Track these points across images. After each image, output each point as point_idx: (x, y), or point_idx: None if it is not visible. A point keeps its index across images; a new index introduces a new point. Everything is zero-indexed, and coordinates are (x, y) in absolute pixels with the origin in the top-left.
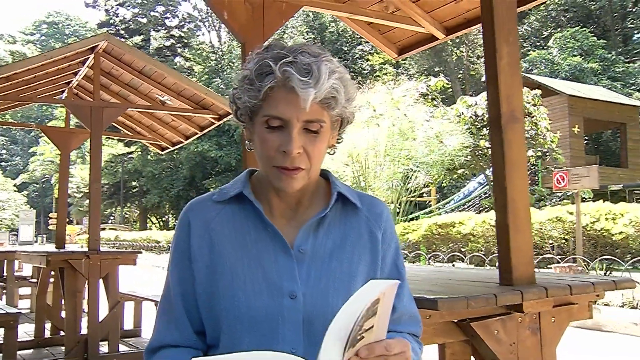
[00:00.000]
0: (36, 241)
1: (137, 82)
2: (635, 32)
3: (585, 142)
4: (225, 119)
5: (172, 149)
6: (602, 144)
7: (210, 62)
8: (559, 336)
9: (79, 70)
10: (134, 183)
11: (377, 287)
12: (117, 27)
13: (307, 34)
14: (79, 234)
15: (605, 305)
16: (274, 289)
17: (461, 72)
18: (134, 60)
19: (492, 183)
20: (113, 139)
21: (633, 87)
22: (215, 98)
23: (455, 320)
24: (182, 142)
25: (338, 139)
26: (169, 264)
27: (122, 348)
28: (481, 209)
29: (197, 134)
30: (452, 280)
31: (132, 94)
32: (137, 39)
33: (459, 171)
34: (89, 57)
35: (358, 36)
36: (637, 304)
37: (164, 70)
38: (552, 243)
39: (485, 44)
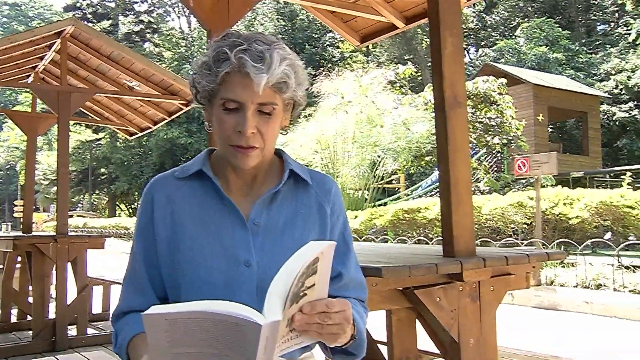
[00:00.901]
0: (0, 229)
1: (105, 67)
2: (598, 23)
3: (550, 130)
4: (193, 105)
5: (140, 134)
6: (566, 132)
7: (179, 48)
8: (497, 304)
9: (45, 54)
10: (102, 170)
11: (316, 247)
12: (83, 11)
13: (278, 22)
14: (45, 222)
15: (560, 285)
16: (230, 258)
17: (430, 60)
18: (102, 46)
19: (438, 164)
20: (81, 124)
21: (595, 77)
22: (183, 84)
23: (400, 288)
24: (150, 128)
25: (291, 121)
26: (134, 236)
27: (91, 331)
28: None
29: (165, 119)
30: (401, 254)
31: (100, 79)
32: (105, 23)
33: (427, 158)
34: (55, 42)
35: None
36: (589, 284)
37: (132, 56)
38: (514, 227)
39: (431, 34)
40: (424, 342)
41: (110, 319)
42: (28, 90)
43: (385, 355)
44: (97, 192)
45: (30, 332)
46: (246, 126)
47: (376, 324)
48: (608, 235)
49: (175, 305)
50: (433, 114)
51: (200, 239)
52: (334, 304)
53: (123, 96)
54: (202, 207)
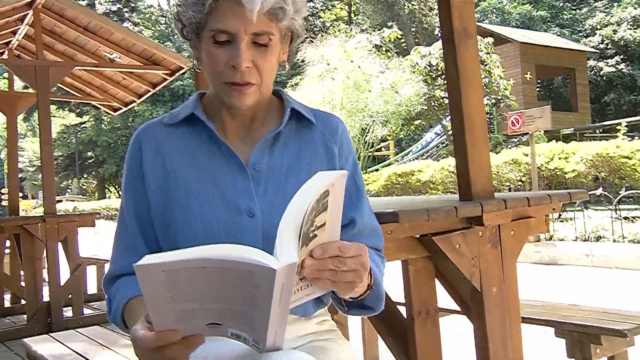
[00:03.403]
0: None
1: (83, 39)
2: None
3: (537, 89)
4: (177, 74)
5: (125, 109)
6: (553, 91)
7: (159, 26)
8: (519, 249)
9: (18, 28)
10: (89, 154)
11: (326, 178)
12: None
13: None
14: (35, 208)
15: (560, 240)
16: (231, 208)
17: (414, 25)
18: (78, 16)
19: (449, 101)
20: (64, 108)
21: (580, 33)
22: (166, 53)
23: (417, 236)
24: (135, 102)
25: (289, 56)
26: (123, 190)
27: (87, 312)
28: (440, 158)
29: (149, 91)
30: (414, 202)
31: (79, 52)
32: (82, 3)
33: (416, 122)
34: (27, 13)
35: None
36: (588, 237)
37: (111, 26)
38: (510, 185)
39: None
40: (443, 300)
41: (102, 285)
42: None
43: (404, 312)
44: (85, 176)
45: (25, 315)
46: (240, 59)
47: (392, 283)
48: (599, 191)
49: (172, 253)
50: (421, 77)
51: (196, 188)
52: (349, 248)
53: (104, 69)
54: (196, 154)
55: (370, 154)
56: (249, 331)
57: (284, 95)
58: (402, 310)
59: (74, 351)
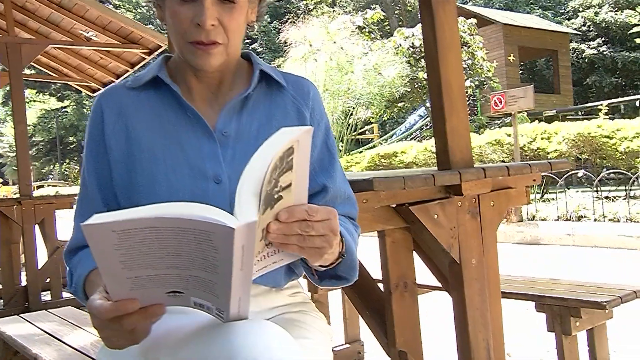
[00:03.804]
0: None
1: (58, 16)
2: None
3: (520, 71)
4: (155, 53)
5: (103, 90)
6: (536, 73)
7: (141, 9)
8: (499, 221)
9: None
10: (71, 139)
11: (290, 133)
12: None
13: None
14: (15, 194)
15: (542, 220)
16: (197, 174)
17: (398, 7)
18: None
19: (426, 66)
20: (42, 84)
21: (563, 15)
22: (144, 31)
23: (394, 205)
24: (113, 82)
25: (258, 17)
26: (84, 158)
27: (66, 295)
28: (423, 140)
29: (128, 71)
30: (392, 173)
31: (54, 30)
32: None
33: (399, 104)
34: None
35: None
36: (570, 216)
37: (86, 3)
38: None
39: None
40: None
41: (63, 256)
42: None
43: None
44: (67, 161)
45: (2, 300)
46: (205, 16)
47: (369, 260)
48: (581, 173)
49: (123, 212)
50: (404, 58)
51: (161, 154)
52: (317, 211)
53: (80, 47)
54: (161, 118)
55: (354, 137)
56: (212, 299)
57: (253, 57)
58: (382, 287)
59: (44, 331)
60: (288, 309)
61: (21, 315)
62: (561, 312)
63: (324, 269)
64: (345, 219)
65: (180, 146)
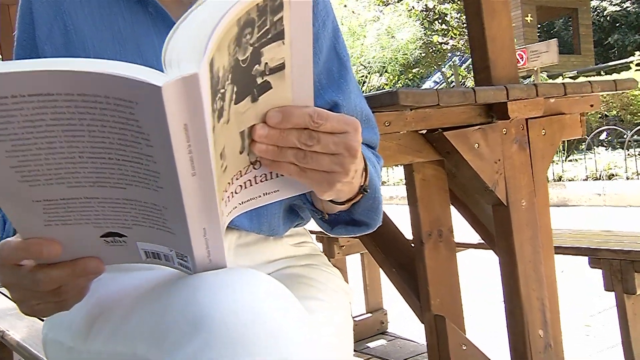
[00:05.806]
0: None
1: None
2: None
3: (538, 32)
4: None
5: None
6: (555, 34)
7: None
8: (551, 154)
9: None
10: None
11: None
12: None
13: None
14: None
15: (570, 180)
16: None
17: None
18: None
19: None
20: None
21: None
22: None
23: (424, 132)
24: None
25: None
26: None
27: None
28: None
29: None
30: None
31: None
32: None
33: (414, 70)
34: None
35: None
36: (599, 175)
37: None
38: None
39: None
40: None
41: None
42: None
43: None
44: None
45: None
46: None
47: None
48: (604, 136)
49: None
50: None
51: (111, 54)
52: (326, 117)
53: None
54: (112, 14)
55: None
56: (166, 239)
57: None
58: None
59: None
60: (291, 262)
61: None
62: (622, 267)
63: (338, 208)
64: (364, 147)
65: (138, 50)
